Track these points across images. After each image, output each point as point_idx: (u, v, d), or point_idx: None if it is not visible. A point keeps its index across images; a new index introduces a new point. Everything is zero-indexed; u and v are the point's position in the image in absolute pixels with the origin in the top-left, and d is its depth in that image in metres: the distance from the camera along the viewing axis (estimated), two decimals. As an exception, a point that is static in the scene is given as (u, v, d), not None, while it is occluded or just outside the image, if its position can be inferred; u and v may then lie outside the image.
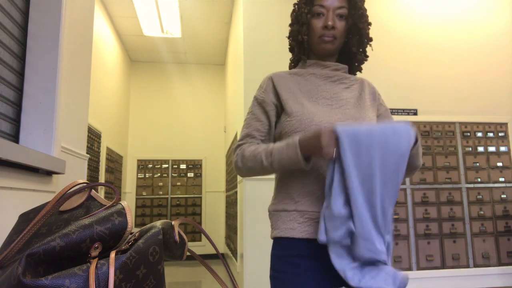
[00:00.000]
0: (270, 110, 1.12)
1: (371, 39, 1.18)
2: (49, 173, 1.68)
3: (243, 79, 3.29)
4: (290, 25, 1.21)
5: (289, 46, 1.23)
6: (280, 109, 1.12)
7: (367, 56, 1.20)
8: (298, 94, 1.11)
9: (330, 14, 1.10)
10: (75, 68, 1.99)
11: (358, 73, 1.24)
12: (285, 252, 1.02)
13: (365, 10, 1.15)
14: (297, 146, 0.95)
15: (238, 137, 1.16)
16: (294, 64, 1.24)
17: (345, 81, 1.15)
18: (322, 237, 0.94)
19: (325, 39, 1.10)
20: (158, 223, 0.57)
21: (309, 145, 0.94)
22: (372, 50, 1.22)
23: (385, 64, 3.54)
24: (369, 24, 1.17)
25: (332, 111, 1.09)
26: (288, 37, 1.22)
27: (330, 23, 1.08)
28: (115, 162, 5.15)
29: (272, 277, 1.03)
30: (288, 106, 1.10)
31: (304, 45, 1.15)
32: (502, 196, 3.48)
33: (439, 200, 3.40)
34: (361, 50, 1.17)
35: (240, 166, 1.08)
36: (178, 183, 6.22)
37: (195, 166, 6.31)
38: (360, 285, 0.90)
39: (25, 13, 1.71)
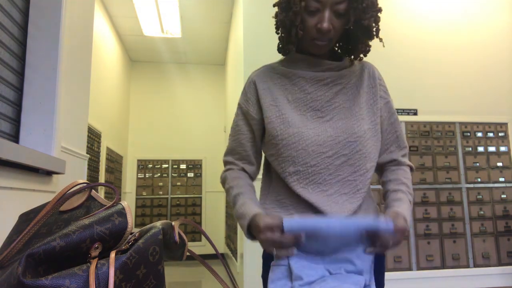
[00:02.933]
0: (254, 124, 1.05)
1: (377, 32, 0.96)
2: (49, 173, 1.68)
3: (243, 79, 3.29)
4: (277, 4, 0.99)
5: (275, 25, 1.03)
6: (263, 121, 1.03)
7: (370, 47, 1.01)
8: (285, 105, 1.00)
9: (326, 13, 0.90)
10: (75, 68, 1.99)
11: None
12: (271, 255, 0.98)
13: (372, 0, 0.93)
14: (245, 227, 0.92)
15: (227, 146, 1.12)
16: (283, 47, 1.05)
17: (340, 81, 1.01)
18: None
19: (318, 43, 0.95)
20: (158, 224, 0.57)
21: (255, 233, 0.90)
22: (384, 46, 1.02)
23: (385, 64, 3.53)
24: (377, 19, 0.94)
25: (322, 126, 0.98)
26: (276, 22, 1.01)
27: (325, 25, 0.90)
28: (115, 162, 5.15)
29: (263, 277, 1.03)
30: (271, 126, 1.00)
31: (293, 40, 0.97)
32: (502, 196, 3.48)
33: (439, 200, 3.40)
34: (365, 44, 0.99)
35: (223, 184, 1.09)
36: (178, 183, 6.22)
37: (195, 166, 6.31)
38: None
39: (25, 13, 1.71)
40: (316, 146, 0.96)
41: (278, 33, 1.03)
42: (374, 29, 0.95)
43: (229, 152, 1.10)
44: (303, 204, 0.97)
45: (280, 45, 1.05)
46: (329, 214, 0.92)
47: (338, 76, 1.01)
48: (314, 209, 0.96)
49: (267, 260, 1.02)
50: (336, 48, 1.09)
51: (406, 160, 1.06)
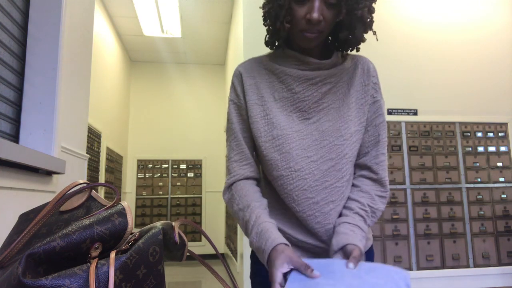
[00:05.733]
0: (247, 119, 0.99)
1: (371, 24, 0.89)
2: (49, 173, 1.68)
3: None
4: None
5: (262, 16, 0.95)
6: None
7: (364, 40, 0.93)
8: (270, 104, 0.95)
9: (316, 2, 0.83)
10: (75, 68, 1.99)
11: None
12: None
13: None
14: (265, 262, 0.81)
15: (227, 149, 1.02)
16: (270, 40, 0.98)
17: (330, 80, 0.94)
18: None
19: (307, 35, 0.87)
20: (158, 224, 0.57)
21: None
22: (377, 40, 0.95)
23: (385, 64, 3.54)
24: (371, 10, 0.88)
25: (307, 128, 0.93)
26: (264, 13, 0.94)
27: (315, 15, 0.83)
28: (115, 162, 5.15)
29: (251, 277, 1.03)
30: (255, 126, 0.95)
31: (280, 34, 0.90)
32: (502, 196, 3.48)
33: (439, 200, 3.40)
34: (357, 37, 0.91)
35: (231, 212, 0.98)
36: (178, 183, 6.22)
37: (195, 166, 6.31)
38: None
39: (25, 13, 1.71)
40: (301, 150, 0.92)
41: (265, 25, 0.96)
42: (368, 20, 0.88)
43: (230, 156, 1.00)
44: (289, 210, 0.94)
45: (267, 38, 0.98)
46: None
47: (327, 75, 0.94)
48: (298, 221, 0.93)
49: (253, 259, 1.01)
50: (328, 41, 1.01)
51: (380, 171, 0.95)
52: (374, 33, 0.92)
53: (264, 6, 0.93)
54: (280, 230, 0.92)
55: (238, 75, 1.00)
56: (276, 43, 0.97)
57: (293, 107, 0.94)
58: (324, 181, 0.92)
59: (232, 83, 1.02)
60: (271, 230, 0.83)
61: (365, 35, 0.93)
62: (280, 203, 0.96)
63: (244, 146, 0.98)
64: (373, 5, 0.89)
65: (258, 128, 0.95)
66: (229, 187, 0.98)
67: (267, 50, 1.04)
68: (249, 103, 0.97)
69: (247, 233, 0.88)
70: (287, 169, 0.92)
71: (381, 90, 1.01)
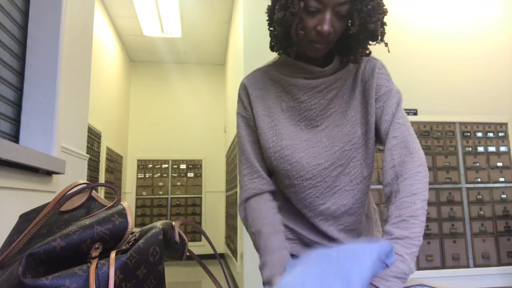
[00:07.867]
0: (255, 130, 0.99)
1: (382, 35, 0.87)
2: (49, 173, 1.68)
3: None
4: (276, 3, 0.87)
5: (267, 20, 0.92)
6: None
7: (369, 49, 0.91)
8: (278, 115, 0.95)
9: (327, 15, 0.80)
10: (75, 68, 1.99)
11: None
12: None
13: (378, 2, 0.83)
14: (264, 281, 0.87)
15: (238, 163, 1.02)
16: (278, 45, 0.94)
17: (334, 85, 0.93)
18: None
19: (316, 46, 0.85)
20: (159, 224, 0.57)
21: None
22: (389, 52, 0.95)
23: (385, 64, 3.53)
24: (383, 22, 0.85)
25: (317, 136, 0.93)
26: (271, 18, 0.91)
27: (326, 28, 0.81)
28: (115, 162, 5.15)
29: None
30: (263, 137, 0.95)
31: (292, 41, 0.87)
32: (502, 196, 3.48)
33: (439, 200, 3.40)
34: (366, 47, 0.90)
35: (246, 227, 0.98)
36: (178, 183, 6.22)
37: (195, 166, 6.31)
38: None
39: (25, 13, 1.71)
40: (311, 158, 0.92)
41: (271, 30, 0.92)
42: (379, 32, 0.86)
43: (240, 170, 1.01)
44: (301, 217, 0.97)
45: (273, 43, 0.94)
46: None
47: (332, 81, 0.93)
48: (310, 223, 0.95)
49: None
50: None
51: (397, 133, 0.87)
52: (386, 44, 0.89)
53: (271, 12, 0.90)
54: (293, 231, 0.97)
55: (244, 88, 1.00)
56: (285, 49, 0.93)
57: (300, 116, 0.95)
58: (334, 186, 0.93)
59: (239, 96, 1.02)
60: (272, 263, 0.86)
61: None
62: (293, 205, 0.98)
63: (253, 159, 0.98)
64: (385, 17, 0.85)
65: (267, 139, 0.95)
66: (242, 204, 0.98)
67: (266, 51, 1.03)
68: (257, 115, 0.97)
69: (259, 253, 0.91)
70: (298, 178, 0.93)
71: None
